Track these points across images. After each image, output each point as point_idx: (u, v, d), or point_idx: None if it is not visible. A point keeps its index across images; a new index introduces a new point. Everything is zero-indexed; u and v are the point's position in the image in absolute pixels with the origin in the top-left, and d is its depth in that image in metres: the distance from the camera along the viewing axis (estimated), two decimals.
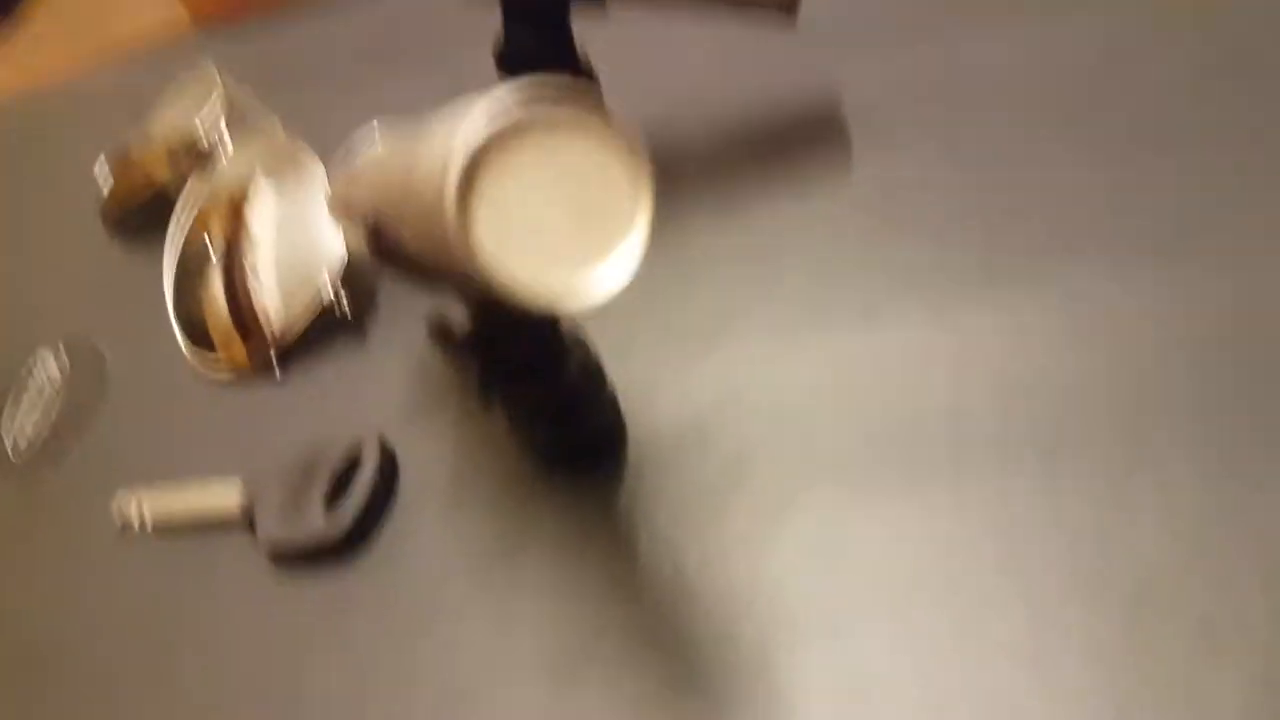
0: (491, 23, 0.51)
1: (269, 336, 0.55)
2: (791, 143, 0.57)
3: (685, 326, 0.50)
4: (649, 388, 0.47)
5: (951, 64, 0.56)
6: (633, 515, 0.43)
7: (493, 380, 0.40)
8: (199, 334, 0.58)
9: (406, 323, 0.55)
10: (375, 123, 0.41)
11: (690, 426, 0.45)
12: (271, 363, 0.55)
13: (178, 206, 0.62)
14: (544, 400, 0.42)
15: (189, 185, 0.62)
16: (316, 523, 0.45)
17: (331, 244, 0.55)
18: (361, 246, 0.41)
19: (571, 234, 0.27)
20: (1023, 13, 0.58)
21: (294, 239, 0.57)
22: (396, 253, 0.34)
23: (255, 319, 0.56)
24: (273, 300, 0.55)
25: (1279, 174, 0.46)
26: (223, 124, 0.64)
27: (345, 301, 0.54)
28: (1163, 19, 0.55)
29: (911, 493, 0.41)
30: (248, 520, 0.47)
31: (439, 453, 0.48)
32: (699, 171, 0.57)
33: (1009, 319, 0.45)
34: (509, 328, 0.38)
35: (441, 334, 0.40)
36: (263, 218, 0.58)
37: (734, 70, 0.61)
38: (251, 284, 0.56)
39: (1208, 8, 0.54)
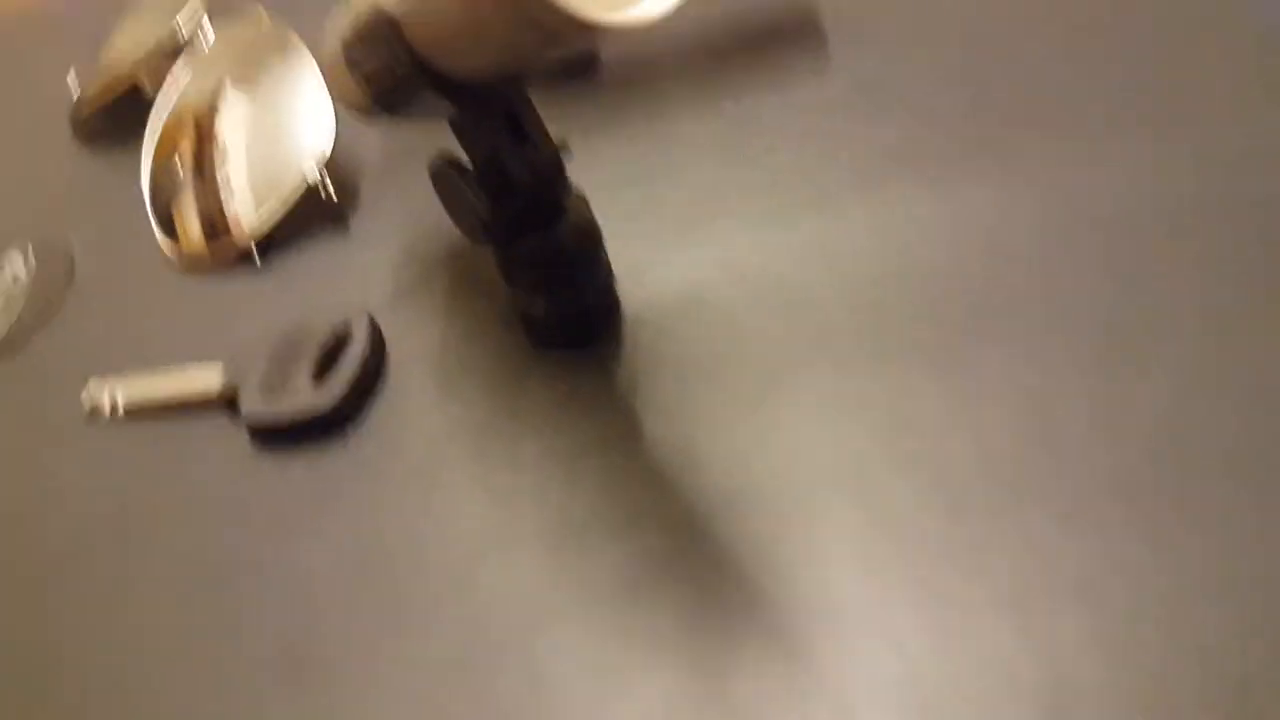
0: None
1: (242, 237, 0.53)
2: (768, 38, 0.56)
3: (676, 206, 0.49)
4: (641, 264, 0.46)
5: None
6: (630, 387, 0.42)
7: (494, 231, 0.38)
8: (173, 233, 0.56)
9: (391, 207, 0.54)
10: None
11: (684, 299, 0.44)
12: (250, 253, 0.53)
13: (155, 105, 0.59)
14: (544, 252, 0.40)
15: (167, 83, 0.60)
16: (304, 396, 0.43)
17: (316, 129, 0.53)
18: (362, 103, 0.39)
19: None
20: None
21: (273, 132, 0.55)
22: (419, 54, 0.32)
23: (228, 229, 0.53)
24: (245, 205, 0.53)
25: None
26: (204, 19, 0.61)
27: (329, 186, 0.52)
28: None
29: (915, 352, 0.40)
30: (228, 401, 0.45)
31: (428, 334, 0.47)
32: (678, 63, 0.56)
33: (996, 189, 0.45)
34: (516, 158, 0.37)
35: (446, 173, 0.38)
36: (234, 122, 0.56)
37: None
38: (224, 195, 0.54)
39: None
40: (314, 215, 0.54)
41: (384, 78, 0.36)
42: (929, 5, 0.56)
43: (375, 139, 0.58)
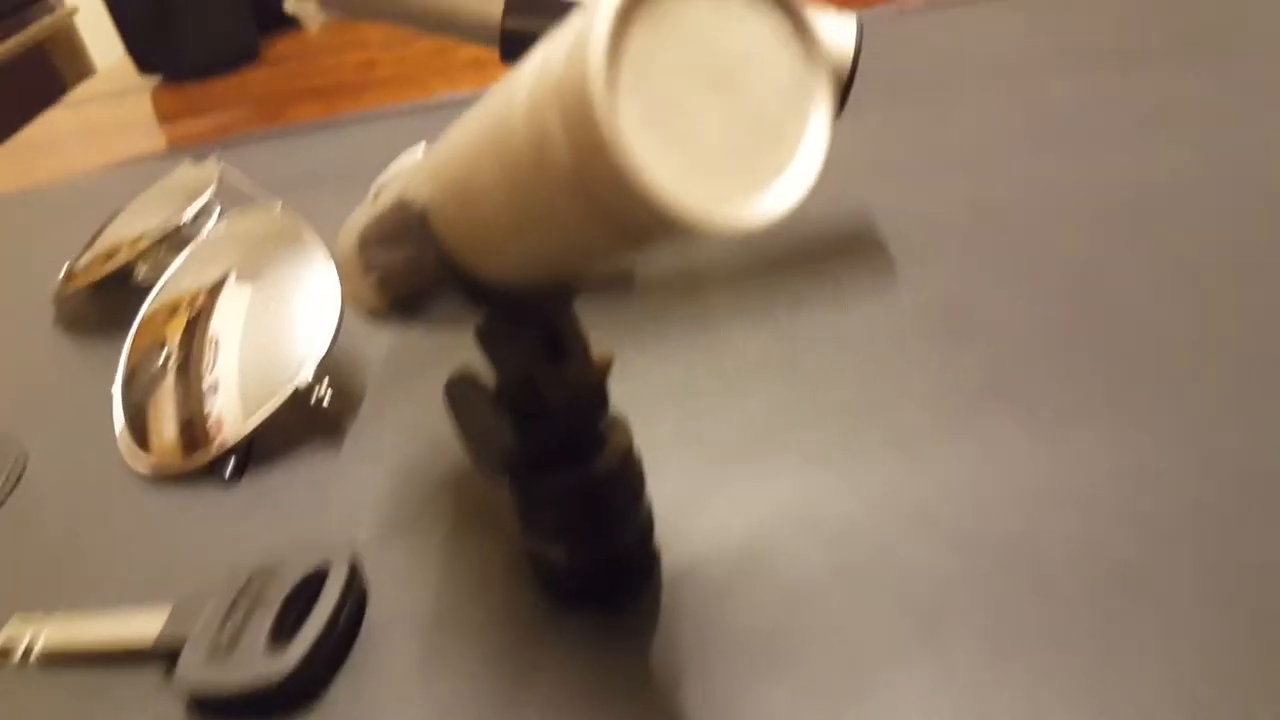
0: None
1: (221, 446, 0.46)
2: (825, 250, 0.52)
3: (725, 436, 0.42)
4: (685, 506, 0.38)
5: (984, 192, 0.53)
6: (670, 666, 0.33)
7: (519, 452, 0.31)
8: (145, 431, 0.48)
9: (393, 420, 0.47)
10: (419, 146, 0.34)
11: (737, 552, 0.36)
12: (224, 464, 0.46)
13: (150, 297, 0.54)
14: (576, 492, 0.32)
15: (168, 274, 0.54)
16: (252, 663, 0.34)
17: (318, 328, 0.47)
18: (376, 305, 0.33)
19: (731, 133, 0.19)
20: (1050, 148, 0.55)
21: (271, 329, 0.49)
22: (450, 254, 0.27)
23: (206, 436, 0.47)
24: (230, 408, 0.46)
25: None
26: (216, 209, 0.57)
27: (325, 391, 0.45)
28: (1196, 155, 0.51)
29: (1039, 639, 0.31)
30: (167, 655, 0.36)
31: (421, 582, 0.38)
32: (732, 280, 0.51)
33: (1107, 434, 0.38)
34: (551, 379, 0.30)
35: (465, 393, 0.31)
36: (231, 316, 0.50)
37: None
38: (207, 396, 0.48)
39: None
40: (305, 425, 0.47)
41: (404, 279, 0.30)
42: (997, 221, 0.51)
43: (382, 343, 0.52)
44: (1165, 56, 0.62)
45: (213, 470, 0.46)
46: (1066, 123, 0.58)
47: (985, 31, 0.69)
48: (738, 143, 0.18)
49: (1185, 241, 0.46)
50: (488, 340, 0.31)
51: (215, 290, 0.52)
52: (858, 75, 0.46)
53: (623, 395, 0.45)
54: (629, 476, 0.34)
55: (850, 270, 0.50)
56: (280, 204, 0.53)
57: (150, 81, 1.19)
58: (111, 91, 1.22)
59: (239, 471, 0.46)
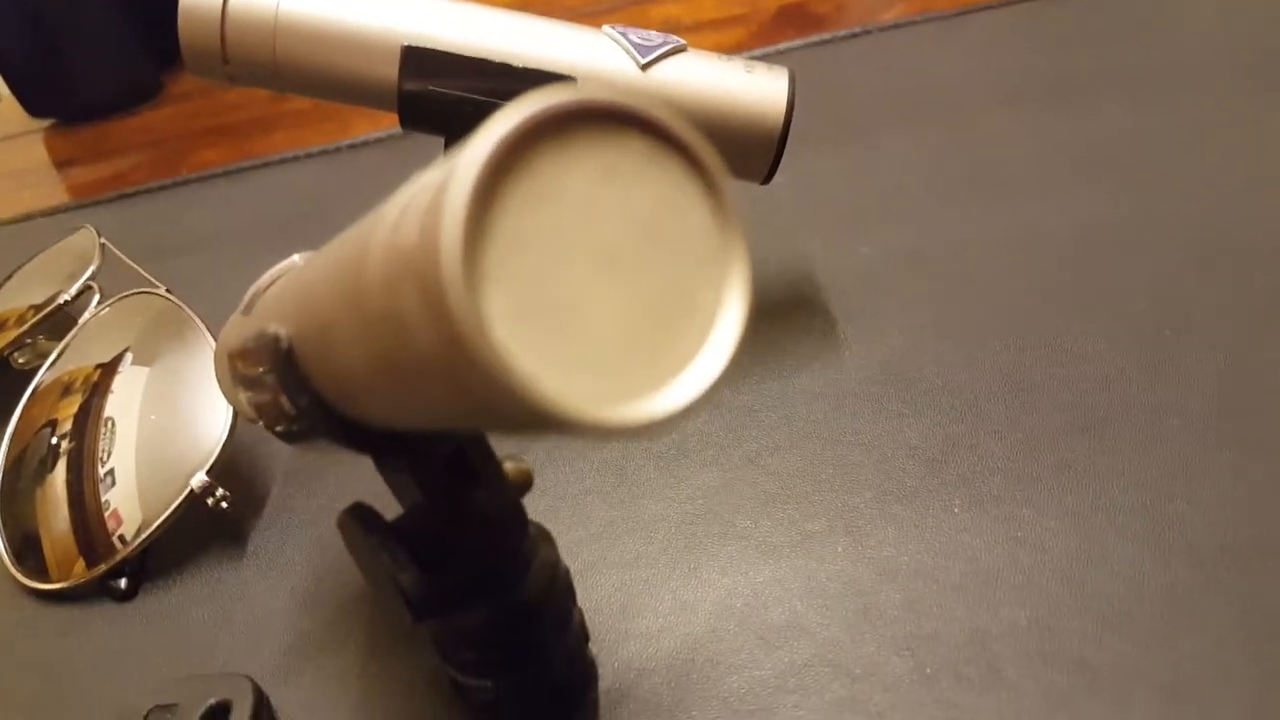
0: None
1: (117, 546, 0.43)
2: (765, 318, 0.50)
3: (662, 530, 0.40)
4: (621, 613, 0.37)
5: (923, 242, 0.53)
6: None
7: (428, 595, 0.29)
8: (27, 542, 0.45)
9: (297, 529, 0.44)
10: (296, 257, 0.31)
11: (681, 662, 0.35)
12: (118, 578, 0.43)
13: (30, 388, 0.51)
14: (496, 626, 0.30)
15: (47, 365, 0.51)
16: None
17: (211, 428, 0.44)
18: (257, 416, 0.31)
19: (625, 317, 0.16)
20: (989, 192, 0.55)
21: (163, 424, 0.46)
22: (325, 393, 0.25)
23: (102, 526, 0.44)
24: (127, 502, 0.44)
25: None
26: (95, 292, 0.54)
27: (221, 495, 0.43)
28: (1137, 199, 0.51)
29: None
30: None
31: (336, 712, 0.36)
32: None
33: (1071, 516, 0.37)
34: (461, 512, 0.28)
35: (357, 532, 0.29)
36: (125, 401, 0.47)
37: None
38: (101, 484, 0.45)
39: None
40: (203, 532, 0.44)
41: (275, 414, 0.27)
42: (938, 273, 0.51)
43: (278, 445, 0.49)
44: (1105, 92, 0.62)
45: (103, 586, 0.43)
46: (1004, 165, 0.57)
47: (920, 65, 0.69)
48: (635, 328, 0.16)
49: (1132, 290, 0.46)
50: (384, 473, 0.29)
51: (104, 381, 0.49)
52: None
53: (550, 481, 0.43)
54: (556, 598, 0.32)
55: (791, 334, 0.49)
56: (164, 289, 0.51)
57: (41, 125, 1.15)
58: None
59: (133, 587, 0.43)
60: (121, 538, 0.44)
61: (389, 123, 0.89)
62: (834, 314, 0.49)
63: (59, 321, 0.54)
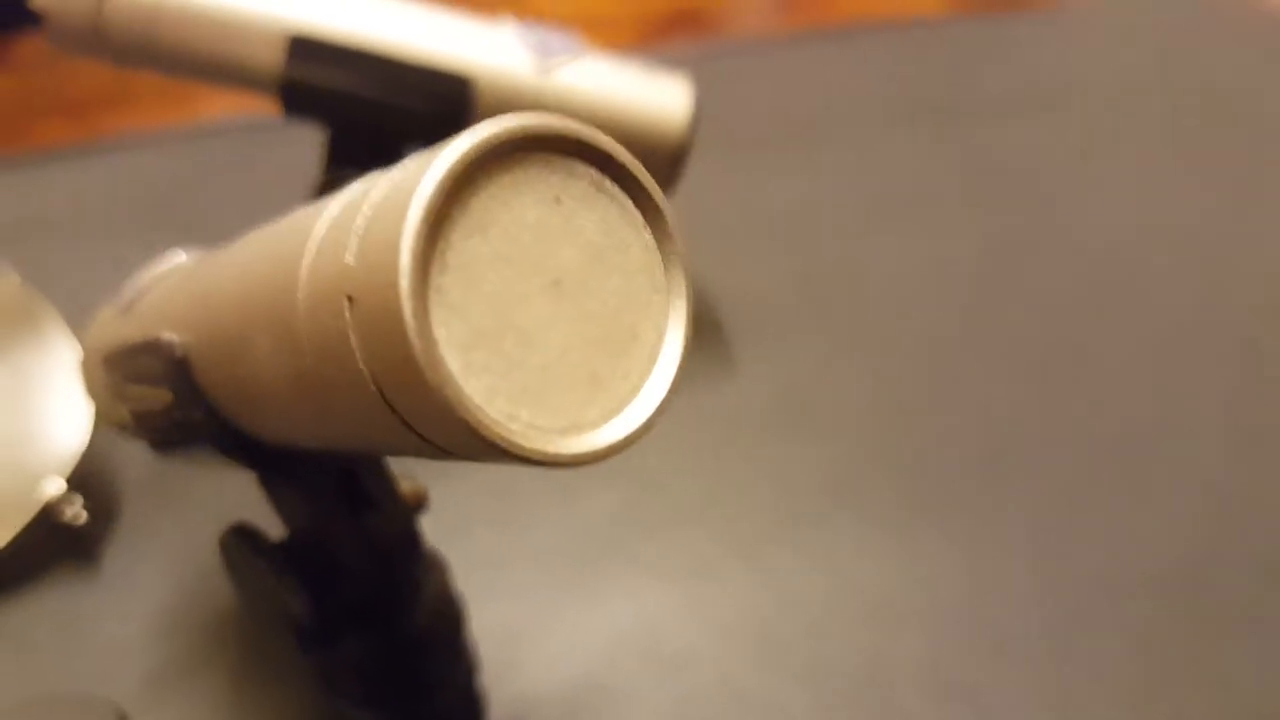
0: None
1: None
2: None
3: (551, 554, 0.40)
4: (509, 641, 0.36)
5: (816, 266, 0.54)
6: None
7: (318, 623, 0.28)
8: None
9: (156, 547, 0.42)
10: (181, 254, 0.30)
11: (575, 689, 0.35)
12: None
13: None
14: (386, 656, 0.30)
15: None
16: None
17: (65, 429, 0.42)
18: (130, 423, 0.30)
19: (570, 346, 0.17)
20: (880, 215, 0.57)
21: (11, 428, 0.43)
22: (220, 405, 0.24)
23: None
24: None
25: None
26: None
27: (80, 510, 0.41)
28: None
29: None
30: None
31: None
32: None
33: (962, 542, 0.39)
34: (352, 535, 0.27)
35: (241, 553, 0.28)
36: None
37: None
38: None
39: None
40: (53, 548, 0.42)
41: (161, 424, 0.26)
42: (831, 297, 0.53)
43: (136, 452, 0.47)
44: (998, 110, 0.65)
45: None
46: (896, 186, 0.59)
47: (810, 82, 0.70)
48: (579, 357, 0.17)
49: (1023, 315, 0.48)
50: (271, 491, 0.28)
51: None
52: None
53: (439, 502, 0.42)
54: (446, 628, 0.32)
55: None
56: (15, 276, 0.48)
57: None
58: None
59: None
60: None
61: (244, 105, 0.86)
62: (727, 335, 0.50)
63: None
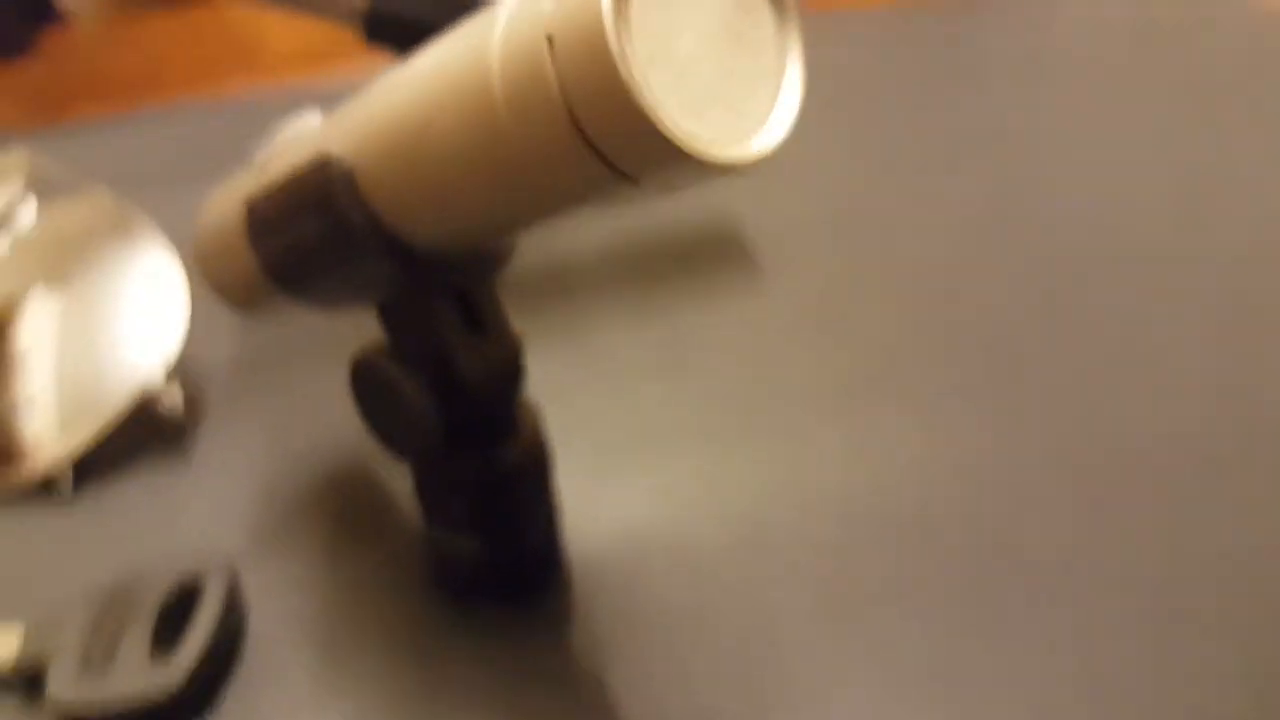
0: None
1: (45, 462, 0.44)
2: (693, 251, 0.56)
3: (612, 429, 0.45)
4: (581, 498, 0.40)
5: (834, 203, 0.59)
6: (585, 652, 0.35)
7: (434, 441, 0.32)
8: None
9: (242, 434, 0.47)
10: (308, 116, 0.34)
11: (636, 540, 0.39)
12: (57, 480, 0.44)
13: None
14: (488, 476, 0.34)
15: None
16: (137, 675, 0.33)
17: (159, 330, 0.46)
18: (246, 290, 0.34)
19: (721, 76, 0.22)
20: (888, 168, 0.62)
21: (99, 334, 0.48)
22: (385, 210, 0.28)
23: (22, 447, 0.45)
24: (49, 423, 0.45)
25: None
26: (28, 202, 0.53)
27: (174, 399, 0.44)
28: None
29: (912, 598, 0.36)
30: (30, 677, 0.34)
31: (304, 590, 0.39)
32: (600, 279, 0.54)
33: (974, 421, 0.43)
34: (469, 351, 0.32)
35: (377, 368, 0.32)
36: (45, 323, 0.48)
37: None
38: (20, 412, 0.46)
39: None
40: (146, 437, 0.46)
41: (310, 249, 0.30)
42: (849, 230, 0.57)
43: (226, 345, 0.51)
44: (993, 81, 0.70)
45: (42, 488, 0.44)
46: (903, 140, 0.64)
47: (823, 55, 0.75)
48: (727, 85, 0.22)
49: (1026, 248, 0.53)
50: (400, 314, 0.32)
51: (20, 296, 0.49)
52: None
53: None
54: (543, 460, 0.36)
55: (717, 271, 0.54)
56: (107, 193, 0.51)
57: None
58: None
59: (72, 487, 0.44)
60: (53, 438, 0.44)
61: (272, 81, 0.90)
62: (759, 258, 0.54)
63: None
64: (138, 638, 0.35)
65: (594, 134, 0.21)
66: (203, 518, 0.42)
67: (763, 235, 0.57)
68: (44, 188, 0.55)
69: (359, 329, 0.33)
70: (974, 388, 0.45)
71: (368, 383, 0.33)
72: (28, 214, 0.53)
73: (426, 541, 0.37)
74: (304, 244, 0.31)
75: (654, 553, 0.38)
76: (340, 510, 0.42)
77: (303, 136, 0.33)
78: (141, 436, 0.46)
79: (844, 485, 0.40)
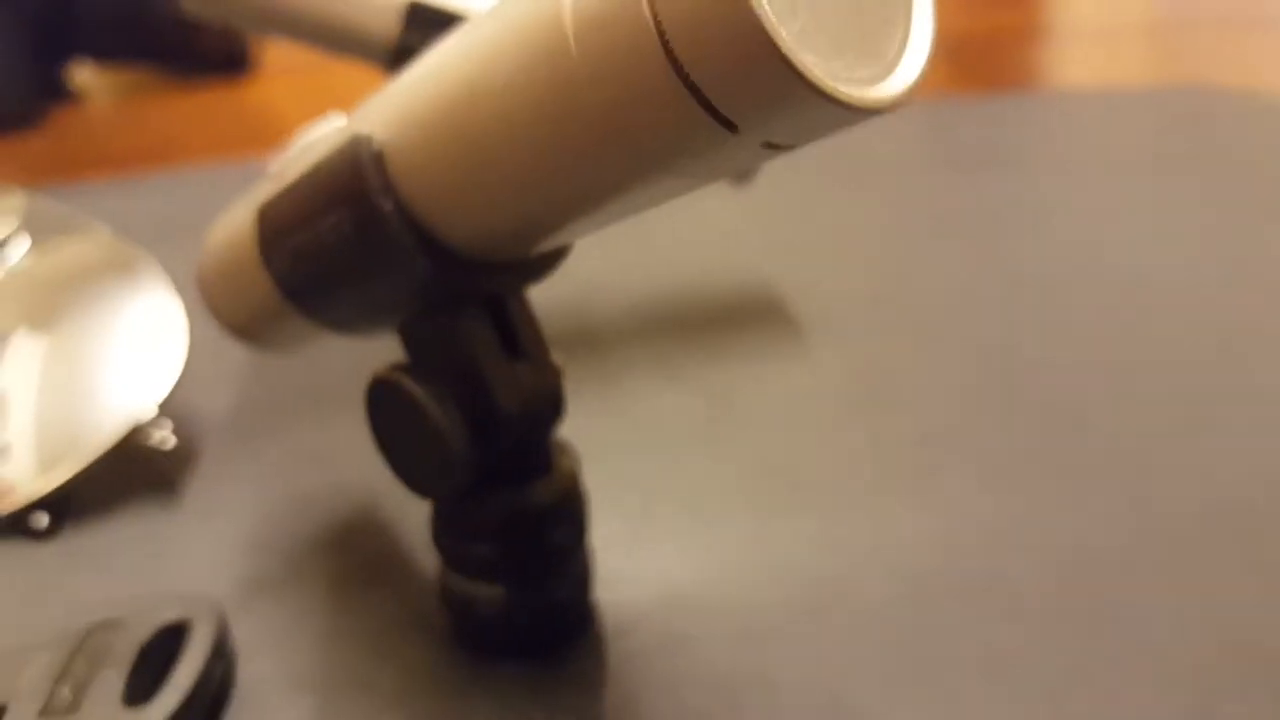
0: None
1: (20, 498, 0.41)
2: (733, 320, 0.54)
3: (647, 491, 0.41)
4: (621, 555, 0.37)
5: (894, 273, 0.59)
6: (616, 717, 0.31)
7: (461, 474, 0.28)
8: None
9: (236, 480, 0.43)
10: (334, 117, 0.32)
11: (673, 604, 0.35)
12: (33, 516, 0.40)
13: None
14: (523, 516, 0.30)
15: None
16: None
17: (159, 364, 0.43)
18: (254, 308, 0.31)
19: (848, 20, 0.19)
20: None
21: (104, 358, 0.44)
22: (418, 198, 0.25)
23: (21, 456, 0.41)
24: (26, 461, 0.42)
25: None
26: (20, 239, 0.51)
27: (168, 435, 0.41)
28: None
29: (962, 667, 0.31)
30: None
31: (302, 641, 0.35)
32: (637, 341, 0.51)
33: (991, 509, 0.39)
34: (505, 376, 0.29)
35: (401, 388, 0.28)
36: (25, 364, 0.45)
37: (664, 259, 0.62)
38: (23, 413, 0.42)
39: None
40: (139, 477, 0.42)
41: (330, 249, 0.28)
42: (901, 295, 0.56)
43: (225, 388, 0.48)
44: (1011, 165, 0.70)
45: (19, 526, 0.40)
46: (930, 216, 0.64)
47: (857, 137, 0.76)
48: (856, 21, 0.19)
49: (1079, 310, 0.51)
50: (429, 331, 0.29)
51: (20, 331, 0.47)
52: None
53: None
54: (577, 504, 0.32)
55: (756, 334, 0.51)
56: (106, 230, 0.49)
57: None
58: None
59: (54, 526, 0.40)
60: (33, 474, 0.41)
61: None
62: (800, 324, 0.52)
63: None
64: (110, 684, 0.30)
65: (693, 67, 0.18)
66: (193, 562, 0.39)
67: (803, 301, 0.55)
68: (40, 226, 0.52)
69: (365, 371, 0.30)
70: (1035, 450, 0.42)
71: (388, 407, 0.30)
72: (19, 250, 0.50)
73: (443, 590, 0.33)
74: (324, 245, 0.28)
75: (698, 614, 0.34)
76: (344, 558, 0.38)
77: (324, 139, 0.30)
78: (131, 477, 0.42)
79: (902, 547, 0.37)
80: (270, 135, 1.02)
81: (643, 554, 0.37)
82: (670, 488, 0.41)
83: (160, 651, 0.32)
